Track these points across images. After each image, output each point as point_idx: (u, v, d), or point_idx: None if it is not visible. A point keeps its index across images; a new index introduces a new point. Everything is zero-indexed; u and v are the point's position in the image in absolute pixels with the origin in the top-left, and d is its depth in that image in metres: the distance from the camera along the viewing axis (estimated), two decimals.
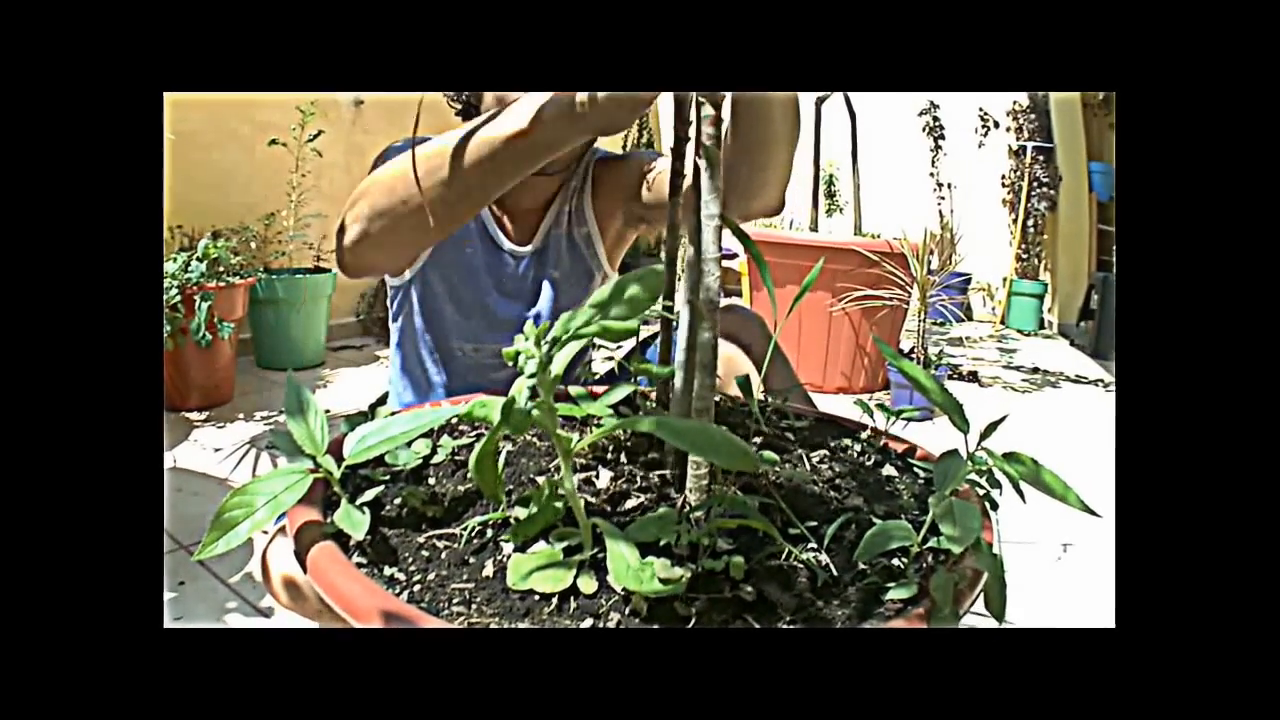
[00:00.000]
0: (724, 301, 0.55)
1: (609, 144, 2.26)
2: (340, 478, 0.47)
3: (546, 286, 1.13)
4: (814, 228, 3.38)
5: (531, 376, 0.39)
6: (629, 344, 0.93)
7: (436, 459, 0.54)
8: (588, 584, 0.40)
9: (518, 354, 0.40)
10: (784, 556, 0.43)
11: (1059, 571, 1.73)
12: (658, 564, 0.38)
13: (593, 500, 0.48)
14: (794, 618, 0.39)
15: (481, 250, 1.12)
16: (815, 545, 0.45)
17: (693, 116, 0.50)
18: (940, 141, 5.08)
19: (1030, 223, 4.89)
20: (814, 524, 0.47)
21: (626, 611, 0.39)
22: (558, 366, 0.40)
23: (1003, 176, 5.04)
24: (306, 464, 0.47)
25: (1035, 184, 4.83)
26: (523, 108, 0.70)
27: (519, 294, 1.13)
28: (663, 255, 0.55)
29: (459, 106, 1.13)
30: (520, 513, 0.45)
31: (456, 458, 0.55)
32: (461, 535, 0.45)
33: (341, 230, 0.82)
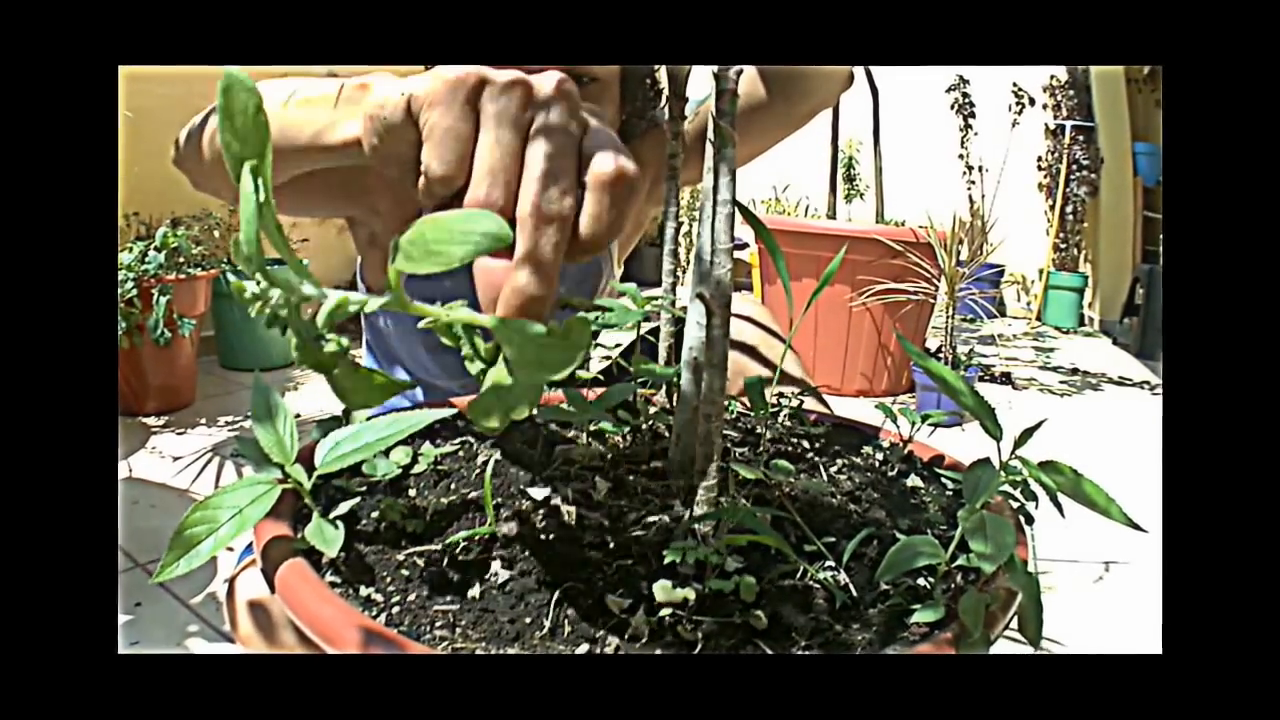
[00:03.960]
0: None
1: None
2: (312, 489, 0.47)
3: None
4: (832, 215, 3.38)
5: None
6: (627, 341, 0.93)
7: (417, 468, 0.54)
8: None
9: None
10: (799, 576, 0.44)
11: (1100, 592, 1.73)
12: (658, 586, 0.38)
13: (589, 514, 0.48)
14: (810, 642, 0.39)
15: (464, 277, 1.03)
16: (833, 563, 0.45)
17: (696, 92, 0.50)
18: (970, 120, 5.07)
19: (1069, 209, 4.89)
20: (832, 540, 0.47)
21: (626, 636, 0.39)
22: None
23: (1039, 158, 5.04)
24: (275, 474, 0.47)
25: (1074, 167, 4.84)
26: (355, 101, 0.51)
27: None
28: (665, 247, 0.55)
29: None
30: (510, 528, 0.45)
31: (439, 467, 0.55)
32: (445, 552, 0.45)
33: (194, 147, 0.84)
